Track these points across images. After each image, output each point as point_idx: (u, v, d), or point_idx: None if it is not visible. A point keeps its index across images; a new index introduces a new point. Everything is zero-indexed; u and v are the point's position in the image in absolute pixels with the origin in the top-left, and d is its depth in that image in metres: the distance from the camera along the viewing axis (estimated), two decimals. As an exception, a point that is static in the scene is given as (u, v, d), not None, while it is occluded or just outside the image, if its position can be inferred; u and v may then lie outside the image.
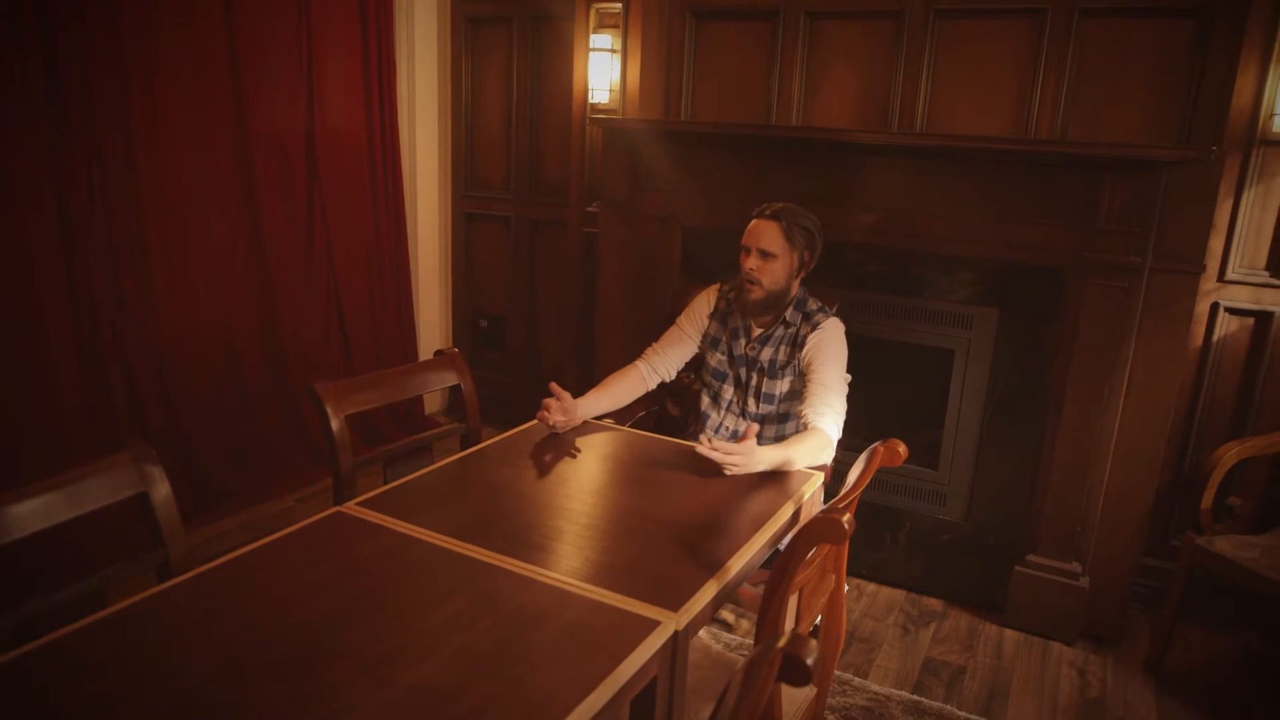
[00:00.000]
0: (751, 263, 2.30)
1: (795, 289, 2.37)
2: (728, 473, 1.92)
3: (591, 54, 3.70)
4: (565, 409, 2.18)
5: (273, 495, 3.57)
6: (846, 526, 1.30)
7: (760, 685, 0.93)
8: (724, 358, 2.45)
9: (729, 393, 2.44)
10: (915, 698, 2.54)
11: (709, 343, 2.48)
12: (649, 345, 2.54)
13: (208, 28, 3.24)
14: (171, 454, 3.25)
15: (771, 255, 2.28)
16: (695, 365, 2.59)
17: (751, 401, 2.39)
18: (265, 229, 3.57)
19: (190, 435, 3.35)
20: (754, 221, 2.33)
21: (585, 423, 2.28)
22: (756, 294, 2.32)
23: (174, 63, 3.14)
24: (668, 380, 2.51)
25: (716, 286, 2.53)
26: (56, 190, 2.85)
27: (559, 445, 2.13)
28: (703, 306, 2.51)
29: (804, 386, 2.27)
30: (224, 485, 3.44)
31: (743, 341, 2.40)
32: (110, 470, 1.47)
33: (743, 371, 2.41)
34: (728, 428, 2.45)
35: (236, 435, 3.53)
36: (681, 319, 2.54)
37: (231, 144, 3.41)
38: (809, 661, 0.96)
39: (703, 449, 1.89)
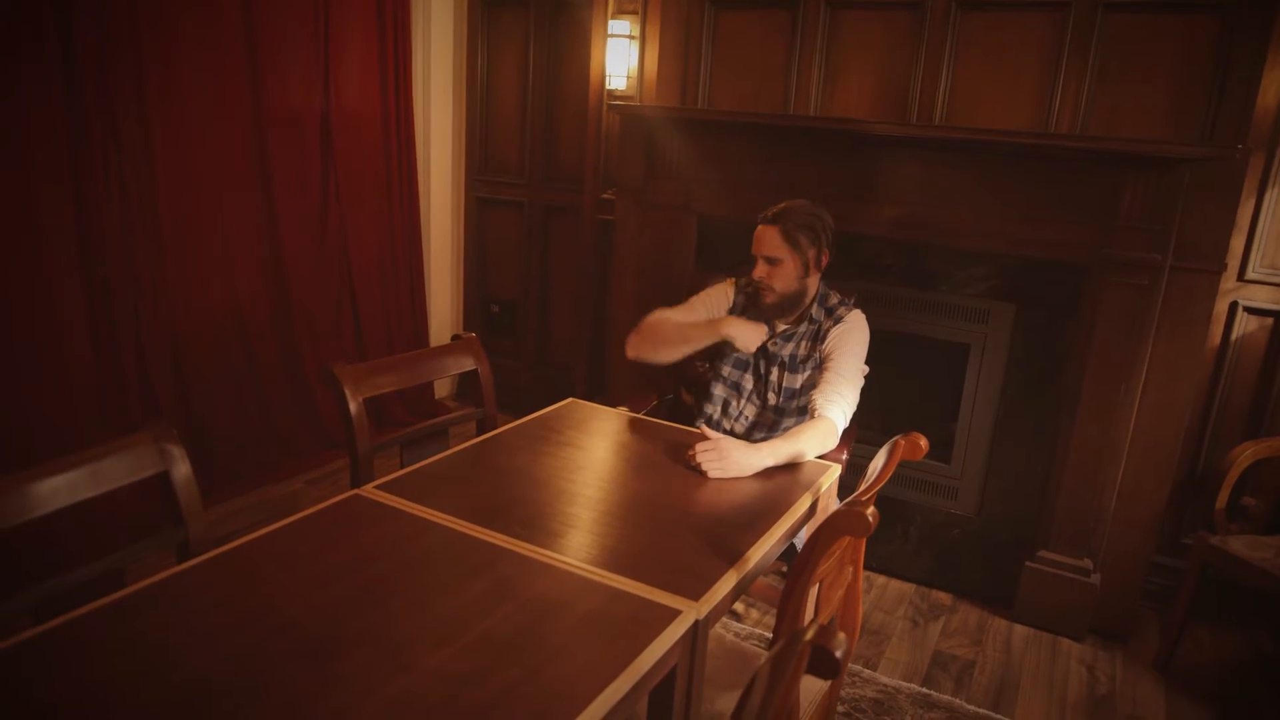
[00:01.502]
0: (760, 270, 2.29)
1: (814, 286, 2.36)
2: (712, 475, 1.88)
3: (610, 40, 3.68)
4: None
5: (282, 477, 3.57)
6: (871, 520, 1.29)
7: (790, 678, 0.93)
8: (742, 355, 2.43)
9: (749, 382, 2.43)
10: (924, 690, 2.54)
11: (727, 342, 2.44)
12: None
13: (226, 8, 3.22)
14: (182, 433, 3.23)
15: (777, 260, 2.27)
16: (711, 355, 2.57)
17: (771, 395, 2.38)
18: (279, 210, 3.56)
19: (201, 415, 3.35)
20: (758, 228, 2.32)
21: (598, 409, 2.28)
22: (771, 298, 2.31)
23: (190, 42, 3.13)
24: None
25: (732, 281, 2.51)
26: (72, 169, 2.84)
27: (576, 432, 2.12)
28: (721, 300, 2.48)
29: (819, 375, 2.25)
30: (234, 466, 3.45)
31: (764, 340, 2.39)
32: (132, 448, 1.47)
33: (763, 365, 2.39)
34: (747, 417, 2.44)
35: (247, 416, 3.54)
36: (696, 303, 2.50)
37: (247, 125, 3.40)
38: (838, 654, 0.96)
39: (691, 454, 1.92)
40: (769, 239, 2.27)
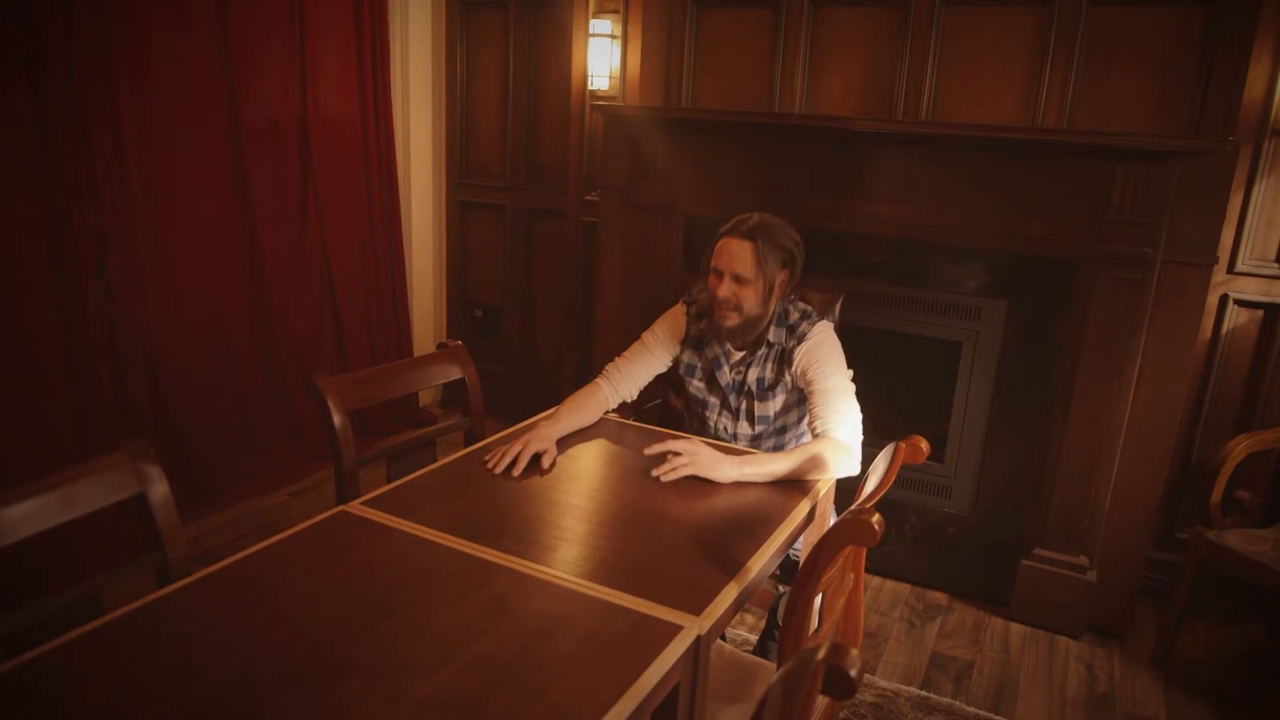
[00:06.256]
0: (725, 290, 2.03)
1: (772, 309, 2.13)
2: (670, 474, 1.83)
3: (591, 39, 3.64)
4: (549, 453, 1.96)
5: (265, 489, 3.50)
6: (877, 528, 1.25)
7: (805, 700, 0.88)
8: (703, 385, 2.27)
9: (713, 418, 2.27)
10: (923, 693, 2.51)
11: (685, 370, 2.28)
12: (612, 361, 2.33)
13: (199, 11, 3.15)
14: (161, 447, 3.17)
15: (746, 280, 2.02)
16: (675, 385, 2.42)
17: (744, 424, 2.22)
18: (257, 217, 3.49)
19: (180, 428, 3.28)
20: (724, 240, 2.05)
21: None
22: (733, 321, 2.07)
23: (163, 46, 3.05)
24: (629, 400, 2.29)
25: (683, 306, 2.29)
26: (42, 178, 2.77)
27: (565, 440, 2.06)
28: (672, 329, 2.28)
29: (806, 400, 2.08)
30: (215, 479, 3.37)
31: (726, 369, 2.21)
32: (107, 470, 1.41)
33: (732, 397, 2.22)
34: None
35: (228, 428, 3.46)
36: (649, 336, 2.30)
37: (223, 130, 3.32)
38: (853, 673, 0.92)
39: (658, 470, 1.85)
40: (741, 255, 2.02)
